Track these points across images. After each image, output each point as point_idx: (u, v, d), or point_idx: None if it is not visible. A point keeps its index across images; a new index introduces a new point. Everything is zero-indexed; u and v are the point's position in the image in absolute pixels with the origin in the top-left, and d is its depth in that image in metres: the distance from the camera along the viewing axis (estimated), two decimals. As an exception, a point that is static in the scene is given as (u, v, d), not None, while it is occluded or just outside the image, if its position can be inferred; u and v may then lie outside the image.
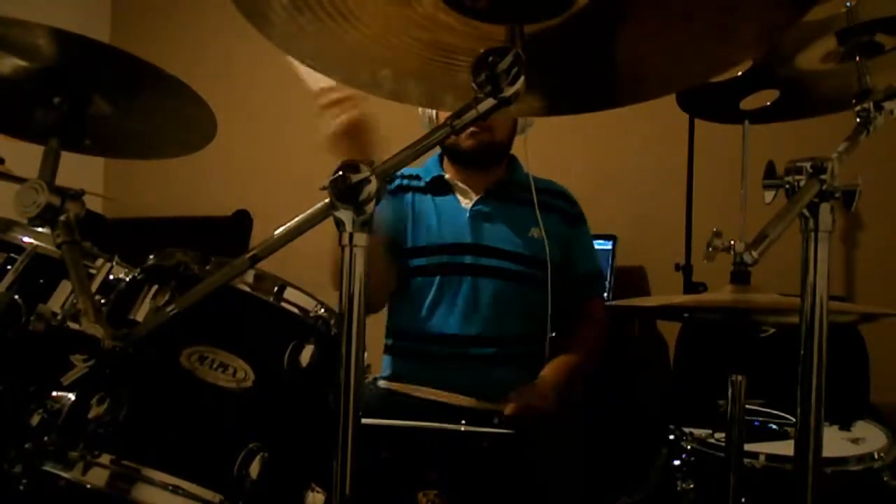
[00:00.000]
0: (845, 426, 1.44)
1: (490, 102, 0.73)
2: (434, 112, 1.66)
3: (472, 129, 1.55)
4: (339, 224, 0.70)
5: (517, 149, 1.74)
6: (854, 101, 0.92)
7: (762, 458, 1.24)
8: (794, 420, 1.08)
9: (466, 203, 1.66)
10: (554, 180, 1.76)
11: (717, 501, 1.23)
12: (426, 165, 1.74)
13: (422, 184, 1.71)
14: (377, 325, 1.74)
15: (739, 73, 1.14)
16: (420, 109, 1.68)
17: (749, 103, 1.18)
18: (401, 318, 1.68)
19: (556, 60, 0.87)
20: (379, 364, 1.72)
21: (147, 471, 0.85)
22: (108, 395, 0.85)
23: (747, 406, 1.14)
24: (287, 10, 0.78)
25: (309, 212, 0.73)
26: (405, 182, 1.72)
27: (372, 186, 0.69)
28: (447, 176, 1.69)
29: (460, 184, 1.68)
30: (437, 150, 1.76)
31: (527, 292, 1.62)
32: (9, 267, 0.99)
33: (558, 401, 1.49)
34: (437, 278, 1.62)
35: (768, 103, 1.15)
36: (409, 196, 1.70)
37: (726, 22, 0.77)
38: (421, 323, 1.63)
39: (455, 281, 1.60)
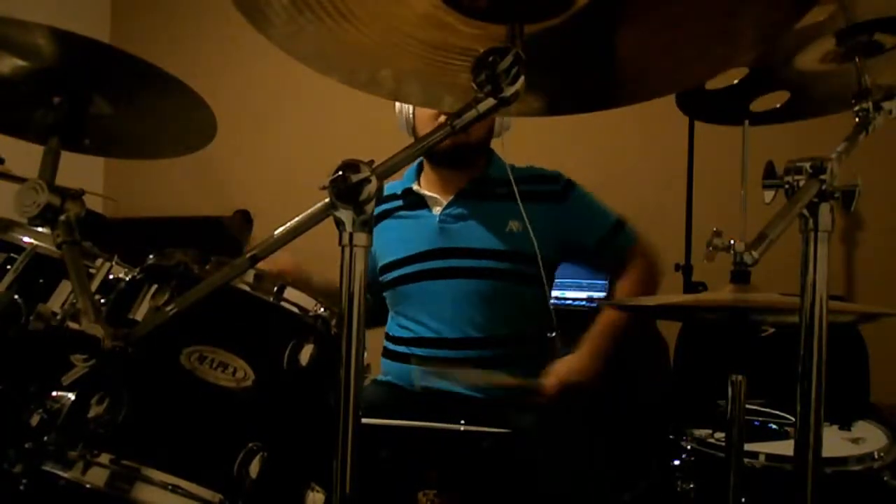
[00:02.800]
0: (845, 426, 1.44)
1: (490, 102, 0.73)
2: (410, 112, 1.65)
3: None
4: (339, 224, 0.70)
5: (497, 147, 1.71)
6: (853, 101, 0.92)
7: (762, 458, 1.24)
8: (794, 420, 1.09)
9: (437, 210, 1.66)
10: (533, 164, 1.71)
11: (717, 501, 1.23)
12: (403, 177, 1.74)
13: (395, 203, 1.71)
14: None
15: (736, 82, 1.14)
16: (396, 111, 1.67)
17: (757, 105, 1.18)
18: (392, 325, 1.70)
19: (556, 60, 0.87)
20: (378, 365, 1.73)
21: (147, 470, 0.85)
22: (108, 395, 0.85)
23: (747, 406, 1.14)
24: (287, 11, 0.78)
25: (309, 212, 0.73)
26: (380, 209, 1.70)
27: (372, 186, 0.69)
28: (415, 187, 1.69)
29: (429, 193, 1.67)
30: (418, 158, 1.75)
31: (513, 289, 1.59)
32: (9, 267, 0.99)
33: (603, 367, 1.48)
34: (416, 285, 1.63)
35: (778, 105, 1.15)
36: (384, 223, 1.71)
37: (726, 22, 0.77)
38: (410, 329, 1.64)
39: (433, 286, 1.60)
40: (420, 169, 1.74)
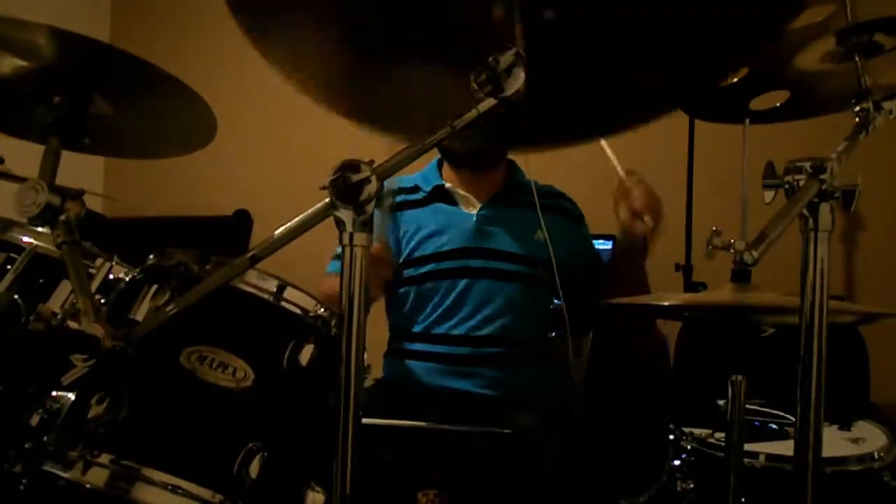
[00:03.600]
0: (845, 426, 1.45)
1: (490, 102, 0.73)
2: None
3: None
4: (340, 224, 0.70)
5: (513, 154, 1.74)
6: (853, 101, 0.92)
7: (762, 458, 1.24)
8: (794, 420, 1.08)
9: (470, 210, 1.67)
10: (552, 184, 1.77)
11: (717, 501, 1.23)
12: (423, 173, 1.73)
13: (419, 196, 1.70)
14: (377, 325, 1.74)
15: (736, 80, 1.14)
16: None
17: (757, 104, 1.18)
18: (412, 322, 1.67)
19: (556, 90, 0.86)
20: (379, 365, 1.72)
21: (147, 471, 0.85)
22: (107, 395, 0.85)
23: (747, 406, 1.14)
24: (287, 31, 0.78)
25: (309, 212, 0.73)
26: (402, 198, 1.71)
27: (372, 186, 0.69)
28: (448, 185, 1.69)
29: (461, 191, 1.68)
30: (435, 155, 1.75)
31: (535, 293, 1.64)
32: (9, 267, 0.99)
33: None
34: (448, 282, 1.62)
35: (777, 104, 1.15)
36: (406, 213, 1.69)
37: (720, 28, 0.77)
38: (434, 326, 1.63)
39: (466, 285, 1.61)
40: (440, 166, 1.75)
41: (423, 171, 1.74)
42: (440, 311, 1.63)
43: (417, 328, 1.65)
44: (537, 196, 1.64)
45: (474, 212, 1.66)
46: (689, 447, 1.33)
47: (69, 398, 0.88)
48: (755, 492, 1.20)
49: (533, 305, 1.65)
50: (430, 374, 1.60)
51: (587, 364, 2.13)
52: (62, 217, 0.90)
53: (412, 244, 1.67)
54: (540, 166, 1.73)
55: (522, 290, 1.62)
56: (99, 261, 0.98)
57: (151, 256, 0.95)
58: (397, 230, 1.69)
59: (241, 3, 0.77)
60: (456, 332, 1.60)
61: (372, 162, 0.70)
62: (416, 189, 1.72)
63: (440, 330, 1.62)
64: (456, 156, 1.66)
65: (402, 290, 1.69)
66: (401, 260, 1.68)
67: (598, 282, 1.74)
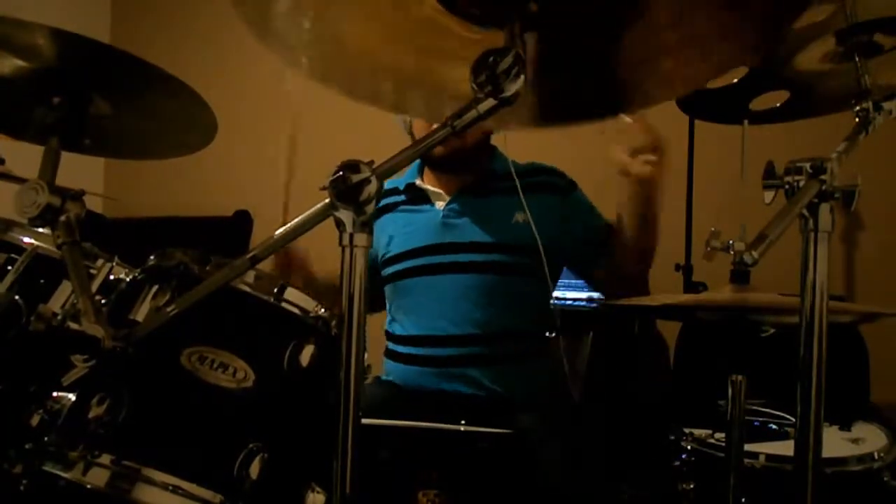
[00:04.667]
0: (845, 426, 1.45)
1: (490, 102, 0.73)
2: (409, 117, 1.65)
3: None
4: (339, 224, 0.70)
5: (499, 145, 1.71)
6: (853, 101, 0.92)
7: (762, 458, 1.24)
8: (794, 420, 1.09)
9: (440, 205, 1.66)
10: (533, 161, 1.70)
11: (717, 501, 1.23)
12: (406, 173, 1.73)
13: (397, 198, 1.71)
14: (377, 325, 1.75)
15: (735, 80, 1.14)
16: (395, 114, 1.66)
17: (757, 104, 1.18)
18: (393, 323, 1.69)
19: (559, 70, 0.86)
20: (379, 364, 1.72)
21: (147, 471, 0.85)
22: (108, 395, 0.85)
23: (747, 406, 1.14)
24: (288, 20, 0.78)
25: (309, 212, 0.73)
26: (383, 202, 1.70)
27: (372, 187, 0.69)
28: (418, 182, 1.69)
29: (432, 188, 1.68)
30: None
31: (515, 283, 1.58)
32: (9, 267, 0.99)
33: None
34: (417, 280, 1.62)
35: (777, 104, 1.15)
36: (386, 217, 1.71)
37: (728, 22, 0.77)
38: (411, 326, 1.63)
39: (435, 281, 1.60)
40: (423, 165, 1.74)
41: (406, 173, 1.73)
42: (416, 311, 1.62)
43: (403, 330, 1.65)
44: (518, 176, 1.58)
45: (442, 206, 1.65)
46: (689, 447, 1.33)
47: (69, 398, 0.88)
48: (755, 492, 1.20)
49: (517, 297, 1.58)
50: (420, 377, 1.59)
51: (587, 364, 2.13)
52: (62, 218, 0.90)
53: (384, 247, 1.68)
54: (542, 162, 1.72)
55: (501, 281, 1.57)
56: (99, 261, 0.99)
57: (152, 257, 0.95)
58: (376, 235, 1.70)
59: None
60: (441, 332, 1.58)
61: (372, 162, 0.70)
62: (395, 191, 1.71)
63: (425, 331, 1.60)
64: (431, 160, 1.66)
65: (384, 293, 1.71)
66: (378, 259, 1.69)
67: (599, 251, 1.62)
